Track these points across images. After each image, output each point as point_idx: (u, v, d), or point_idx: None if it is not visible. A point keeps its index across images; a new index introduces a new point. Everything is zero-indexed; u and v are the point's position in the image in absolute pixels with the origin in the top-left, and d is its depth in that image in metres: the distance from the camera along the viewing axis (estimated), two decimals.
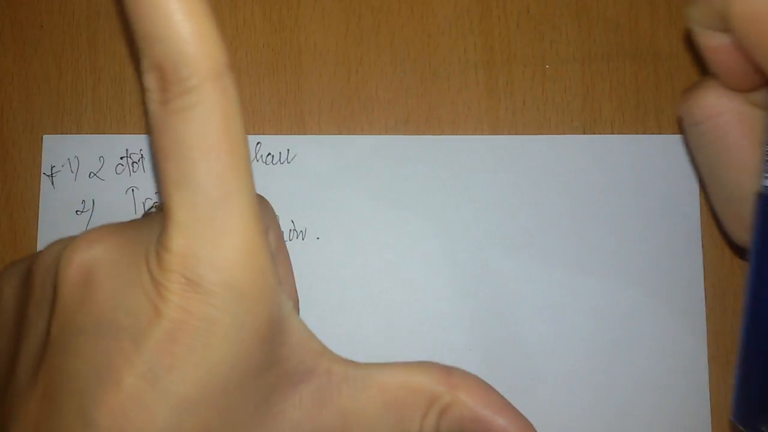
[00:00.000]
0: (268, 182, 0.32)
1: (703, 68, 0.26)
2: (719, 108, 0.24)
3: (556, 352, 0.31)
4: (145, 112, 0.19)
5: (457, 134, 0.33)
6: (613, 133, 0.33)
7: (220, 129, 0.19)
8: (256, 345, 0.20)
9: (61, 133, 0.33)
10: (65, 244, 0.21)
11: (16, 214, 0.33)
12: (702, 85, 0.25)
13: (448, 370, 0.23)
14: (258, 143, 0.33)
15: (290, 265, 0.27)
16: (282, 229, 0.32)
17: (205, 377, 0.19)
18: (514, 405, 0.31)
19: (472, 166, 0.33)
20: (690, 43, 0.32)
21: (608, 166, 0.32)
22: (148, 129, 0.19)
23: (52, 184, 0.33)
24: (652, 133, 0.33)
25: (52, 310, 0.21)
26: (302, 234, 0.32)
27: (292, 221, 0.32)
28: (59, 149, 0.33)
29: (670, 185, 0.32)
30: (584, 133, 0.33)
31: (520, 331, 0.32)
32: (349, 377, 0.22)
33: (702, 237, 0.32)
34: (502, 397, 0.23)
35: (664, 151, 0.32)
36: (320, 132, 0.33)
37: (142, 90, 0.19)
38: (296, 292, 0.27)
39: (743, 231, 0.25)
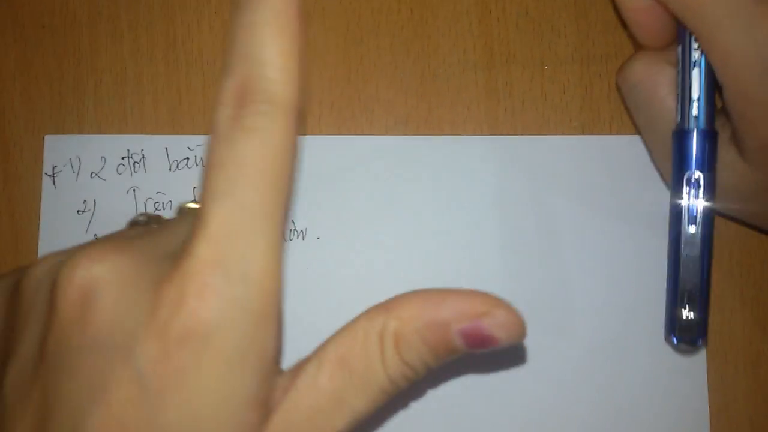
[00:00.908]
0: None
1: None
2: (647, 71, 0.29)
3: (554, 352, 0.32)
4: (213, 122, 0.20)
5: (456, 134, 0.33)
6: (611, 134, 0.33)
7: (276, 156, 0.20)
8: (252, 374, 0.19)
9: (63, 134, 0.33)
10: (63, 257, 0.21)
11: (17, 214, 0.33)
12: (633, 57, 0.30)
13: (384, 302, 0.22)
14: None
15: None
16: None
17: (193, 405, 0.19)
18: (514, 404, 0.31)
19: (472, 166, 0.33)
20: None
21: (607, 166, 0.33)
22: (210, 137, 0.20)
23: (54, 184, 0.33)
24: None
25: (49, 327, 0.20)
26: (302, 234, 0.32)
27: (293, 221, 0.32)
28: (61, 149, 0.33)
29: (669, 185, 0.32)
30: (583, 134, 0.33)
31: None
32: (307, 376, 0.21)
33: None
34: (441, 290, 0.21)
35: None
36: (321, 132, 0.33)
37: (216, 102, 0.20)
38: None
39: None
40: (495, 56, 0.33)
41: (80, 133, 0.33)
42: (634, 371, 0.31)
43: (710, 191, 0.28)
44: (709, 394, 0.32)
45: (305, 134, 0.33)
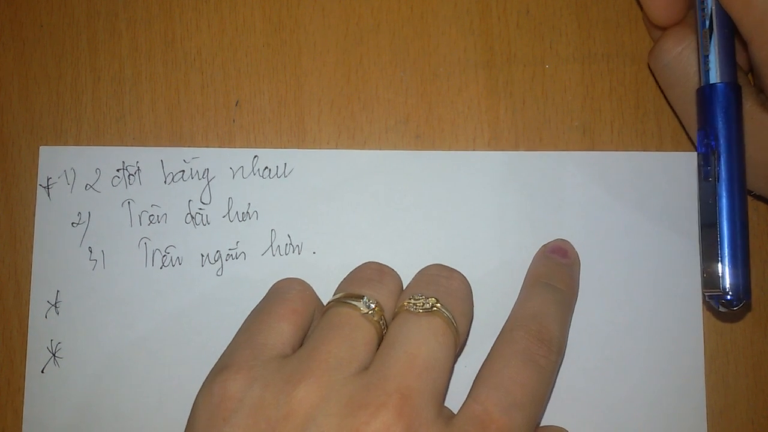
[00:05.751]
0: (265, 196, 0.32)
1: None
2: (677, 48, 0.30)
3: None
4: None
5: (457, 133, 0.33)
6: (612, 133, 0.33)
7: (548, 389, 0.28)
8: None
9: (62, 133, 0.33)
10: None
11: (13, 226, 0.33)
12: (661, 37, 0.31)
13: None
14: (255, 157, 0.33)
15: None
16: (278, 244, 0.32)
17: None
18: None
19: (469, 181, 0.32)
20: None
21: (609, 182, 0.32)
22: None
23: (48, 195, 0.32)
24: (652, 133, 0.33)
25: None
26: (298, 248, 0.32)
27: (289, 236, 0.32)
28: (56, 161, 0.33)
29: (670, 202, 0.32)
30: (584, 134, 0.33)
31: None
32: None
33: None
34: None
35: (665, 168, 0.32)
36: (320, 132, 0.33)
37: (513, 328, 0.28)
38: None
39: None
40: (495, 55, 0.33)
41: (78, 132, 0.33)
42: (633, 371, 0.31)
43: (735, 143, 0.28)
44: (710, 396, 0.31)
45: (304, 133, 0.33)
